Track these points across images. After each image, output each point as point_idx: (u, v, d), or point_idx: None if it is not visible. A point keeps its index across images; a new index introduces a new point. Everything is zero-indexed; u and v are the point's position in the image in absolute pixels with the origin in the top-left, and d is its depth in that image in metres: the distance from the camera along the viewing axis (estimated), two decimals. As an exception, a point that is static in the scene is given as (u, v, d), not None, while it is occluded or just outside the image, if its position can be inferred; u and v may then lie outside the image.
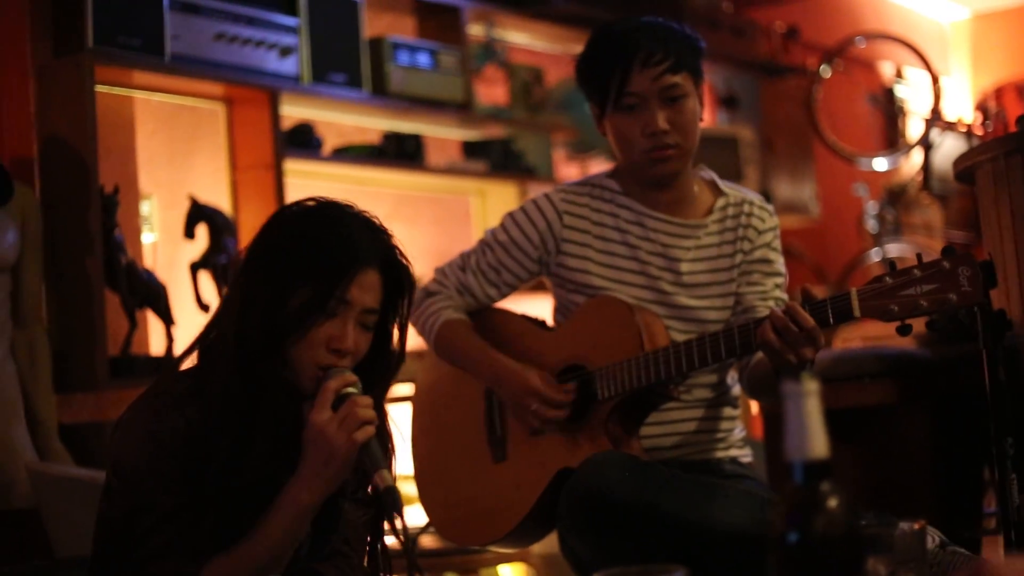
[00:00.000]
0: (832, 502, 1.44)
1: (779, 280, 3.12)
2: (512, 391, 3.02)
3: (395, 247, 2.36)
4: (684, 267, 3.08)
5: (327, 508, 2.34)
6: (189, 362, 2.38)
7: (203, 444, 2.23)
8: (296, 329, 2.25)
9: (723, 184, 3.18)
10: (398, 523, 2.27)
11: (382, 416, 2.40)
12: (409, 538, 2.30)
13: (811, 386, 1.43)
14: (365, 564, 2.45)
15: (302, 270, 2.26)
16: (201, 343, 2.36)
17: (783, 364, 2.65)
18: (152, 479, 2.22)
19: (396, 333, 2.41)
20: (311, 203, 2.38)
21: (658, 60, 2.97)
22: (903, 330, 2.60)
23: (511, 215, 3.20)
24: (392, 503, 2.22)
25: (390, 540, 2.53)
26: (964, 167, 3.36)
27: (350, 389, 2.26)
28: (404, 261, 2.37)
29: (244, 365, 2.25)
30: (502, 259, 3.17)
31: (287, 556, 2.26)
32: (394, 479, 2.28)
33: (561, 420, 2.97)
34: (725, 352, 2.79)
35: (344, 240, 2.29)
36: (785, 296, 3.11)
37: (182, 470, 2.22)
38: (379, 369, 2.40)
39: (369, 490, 2.38)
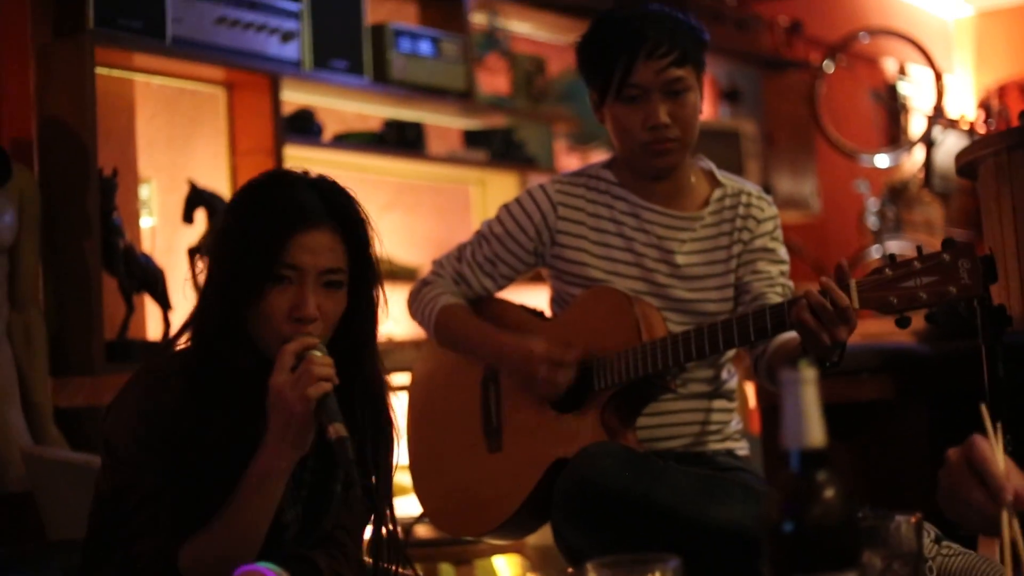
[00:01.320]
0: (829, 492, 1.41)
1: (784, 267, 3.10)
2: (516, 362, 2.99)
3: (348, 204, 2.31)
4: (680, 259, 3.06)
5: (318, 490, 2.32)
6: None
7: (188, 422, 2.21)
8: (248, 301, 2.22)
9: (720, 175, 3.16)
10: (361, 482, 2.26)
11: (382, 391, 2.37)
12: (355, 479, 2.26)
13: (809, 373, 1.41)
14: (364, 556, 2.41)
15: (246, 241, 2.23)
16: (190, 323, 2.35)
17: (817, 345, 2.62)
18: (141, 456, 2.21)
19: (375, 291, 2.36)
20: (263, 176, 2.36)
21: (664, 52, 2.94)
22: (902, 322, 2.59)
23: (506, 207, 3.18)
24: (341, 454, 2.15)
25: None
26: (966, 161, 3.35)
27: (313, 352, 2.21)
28: (361, 216, 2.32)
29: (205, 343, 2.25)
30: (497, 251, 3.15)
31: (263, 528, 2.21)
32: (347, 432, 2.20)
33: (557, 408, 2.97)
34: (755, 333, 2.74)
35: (283, 204, 2.25)
36: (791, 283, 3.09)
37: (169, 448, 2.20)
38: (361, 330, 2.35)
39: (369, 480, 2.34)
